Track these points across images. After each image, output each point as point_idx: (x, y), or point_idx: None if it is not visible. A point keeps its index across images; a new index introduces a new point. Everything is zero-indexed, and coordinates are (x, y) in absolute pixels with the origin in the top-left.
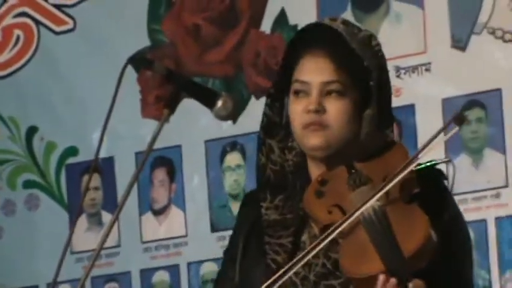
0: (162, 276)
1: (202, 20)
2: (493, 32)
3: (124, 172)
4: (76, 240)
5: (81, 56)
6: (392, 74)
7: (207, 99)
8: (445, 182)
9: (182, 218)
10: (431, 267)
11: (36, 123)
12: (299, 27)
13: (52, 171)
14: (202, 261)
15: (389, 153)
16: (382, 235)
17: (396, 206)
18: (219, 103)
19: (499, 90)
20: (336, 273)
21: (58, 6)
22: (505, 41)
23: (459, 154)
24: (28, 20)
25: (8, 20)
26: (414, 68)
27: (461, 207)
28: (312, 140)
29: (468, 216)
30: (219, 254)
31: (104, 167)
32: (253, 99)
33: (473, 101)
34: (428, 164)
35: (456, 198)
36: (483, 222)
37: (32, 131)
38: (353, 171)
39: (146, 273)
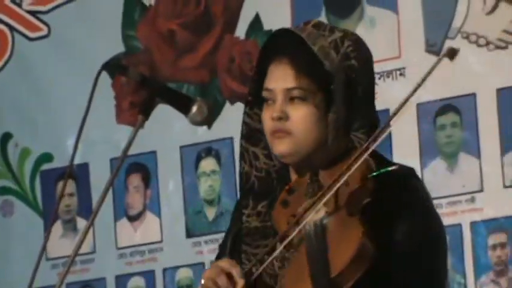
0: (137, 282)
1: (177, 25)
2: (467, 37)
3: (99, 178)
4: (51, 246)
5: (56, 62)
6: None
7: (182, 104)
8: (416, 180)
9: (157, 223)
10: (394, 267)
11: (10, 129)
12: None
13: (27, 178)
14: (177, 267)
15: (347, 159)
16: (316, 252)
17: (339, 218)
18: (194, 108)
19: (473, 94)
20: None
21: (32, 13)
22: (479, 46)
23: (434, 158)
24: (2, 26)
25: None
26: (389, 73)
27: None
28: (278, 147)
29: (443, 221)
30: (195, 259)
31: (79, 173)
32: (228, 104)
33: (448, 106)
34: (382, 170)
35: None
36: (458, 226)
37: (6, 137)
38: (314, 179)
39: (121, 279)
